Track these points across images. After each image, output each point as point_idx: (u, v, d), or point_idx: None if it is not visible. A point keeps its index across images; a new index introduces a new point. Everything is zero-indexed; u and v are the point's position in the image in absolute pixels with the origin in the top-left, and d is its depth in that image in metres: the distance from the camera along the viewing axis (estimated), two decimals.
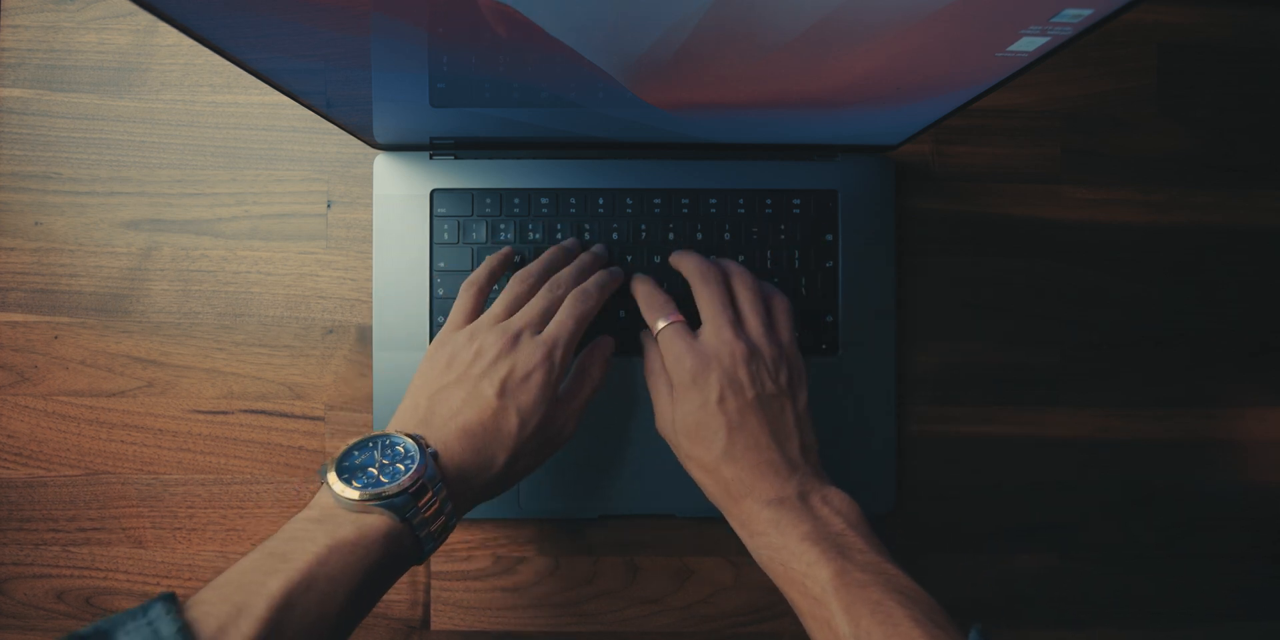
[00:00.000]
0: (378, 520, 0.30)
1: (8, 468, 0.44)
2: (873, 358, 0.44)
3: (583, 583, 0.44)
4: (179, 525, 0.44)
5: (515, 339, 0.36)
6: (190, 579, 0.44)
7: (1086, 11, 0.24)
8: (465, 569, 0.44)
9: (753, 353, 0.36)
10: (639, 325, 0.43)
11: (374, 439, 0.32)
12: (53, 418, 0.44)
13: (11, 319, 0.44)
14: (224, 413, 0.44)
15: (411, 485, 0.30)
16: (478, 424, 0.34)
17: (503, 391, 0.34)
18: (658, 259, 0.43)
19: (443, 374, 0.35)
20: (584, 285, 0.39)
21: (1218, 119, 0.47)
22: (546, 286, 0.38)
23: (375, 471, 0.31)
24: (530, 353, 0.35)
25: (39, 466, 0.44)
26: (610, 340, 0.41)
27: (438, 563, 0.44)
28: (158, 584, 0.44)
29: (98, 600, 0.44)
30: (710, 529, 0.45)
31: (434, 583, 0.44)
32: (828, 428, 0.43)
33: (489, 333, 0.36)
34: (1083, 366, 0.46)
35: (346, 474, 0.31)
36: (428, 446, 0.32)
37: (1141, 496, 0.46)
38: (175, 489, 0.44)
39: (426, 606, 0.44)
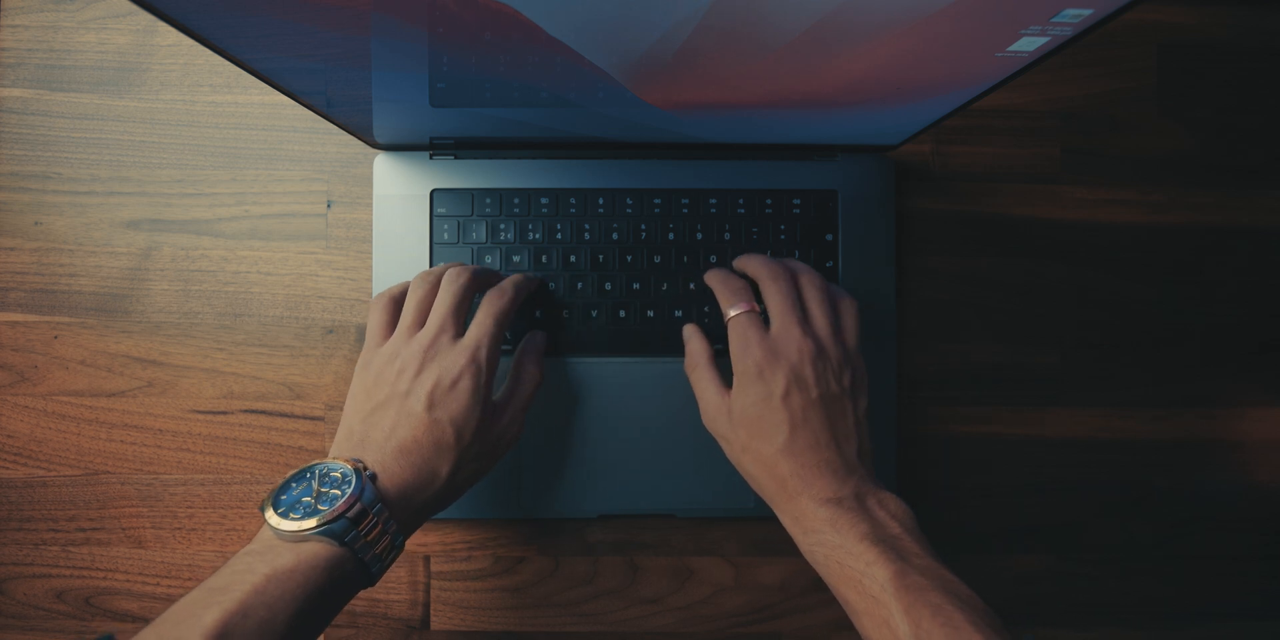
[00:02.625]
0: (317, 547, 0.30)
1: (8, 468, 0.44)
2: (873, 358, 0.44)
3: (583, 583, 0.44)
4: (179, 525, 0.44)
5: (434, 347, 0.35)
6: (190, 579, 0.44)
7: (1086, 11, 0.24)
8: (465, 569, 0.44)
9: (820, 352, 0.36)
10: (641, 325, 0.43)
11: (310, 469, 0.32)
12: (53, 418, 0.44)
13: (11, 319, 0.44)
14: (224, 413, 0.44)
15: (348, 509, 0.30)
16: (412, 441, 0.34)
17: (431, 404, 0.34)
18: (658, 259, 0.43)
19: (370, 395, 0.35)
20: (500, 284, 0.39)
21: (1217, 119, 0.47)
22: (445, 280, 0.37)
23: (312, 501, 0.31)
24: (453, 359, 0.35)
25: (39, 466, 0.44)
26: (542, 335, 0.41)
27: (438, 563, 0.44)
28: (157, 584, 0.44)
29: (97, 600, 0.44)
30: (710, 529, 0.45)
31: (434, 583, 0.44)
32: None
33: (407, 346, 0.36)
34: (1083, 366, 0.46)
35: (284, 507, 0.31)
36: (366, 469, 0.32)
37: (1141, 496, 0.46)
38: (175, 489, 0.44)
39: (426, 606, 0.44)
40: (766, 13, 0.25)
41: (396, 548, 0.33)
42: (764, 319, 0.38)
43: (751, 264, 0.40)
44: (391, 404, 0.34)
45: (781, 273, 0.38)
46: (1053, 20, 0.25)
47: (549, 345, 0.42)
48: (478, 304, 0.38)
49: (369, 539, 0.31)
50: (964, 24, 0.25)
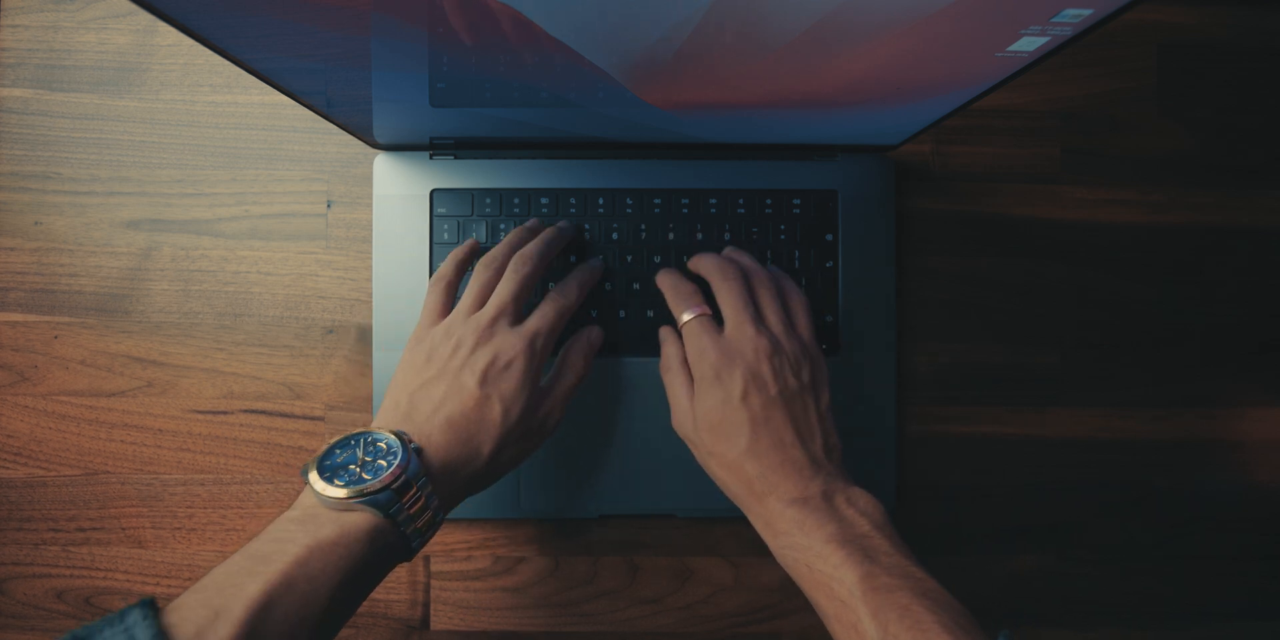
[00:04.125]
0: (360, 518, 0.30)
1: (8, 468, 0.44)
2: (873, 358, 0.44)
3: (583, 583, 0.44)
4: (179, 525, 0.44)
5: (492, 328, 0.35)
6: (189, 579, 0.44)
7: (1086, 11, 0.24)
8: (465, 569, 0.44)
9: (776, 349, 0.36)
10: (642, 325, 0.43)
11: (356, 436, 0.32)
12: (53, 418, 0.44)
13: (11, 319, 0.44)
14: (224, 413, 0.44)
15: (394, 481, 0.30)
16: (461, 415, 0.34)
17: (484, 381, 0.34)
18: (658, 259, 0.43)
19: (422, 370, 0.35)
20: (565, 280, 0.39)
21: (1217, 119, 0.47)
22: (511, 266, 0.38)
23: (357, 469, 0.31)
24: (511, 342, 0.35)
25: (39, 466, 0.44)
26: (598, 331, 0.41)
27: (438, 563, 0.44)
28: (157, 584, 0.44)
29: (97, 600, 0.44)
30: (710, 529, 0.45)
31: (434, 583, 0.44)
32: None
33: (464, 325, 0.36)
34: (1083, 366, 0.46)
35: (328, 472, 0.31)
36: (411, 442, 0.32)
37: (1141, 496, 0.46)
38: (175, 489, 0.44)
39: (426, 606, 0.44)
40: (766, 13, 0.25)
41: (437, 524, 0.33)
42: (719, 320, 0.38)
43: (703, 264, 0.40)
44: (443, 378, 0.34)
45: (732, 272, 0.38)
46: (1053, 20, 0.25)
47: (602, 343, 0.41)
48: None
49: (412, 512, 0.31)
50: (964, 24, 0.25)
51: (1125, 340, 0.46)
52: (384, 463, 0.31)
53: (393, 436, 0.32)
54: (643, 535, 0.45)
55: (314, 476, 0.30)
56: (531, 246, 0.39)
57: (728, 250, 0.42)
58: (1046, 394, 0.46)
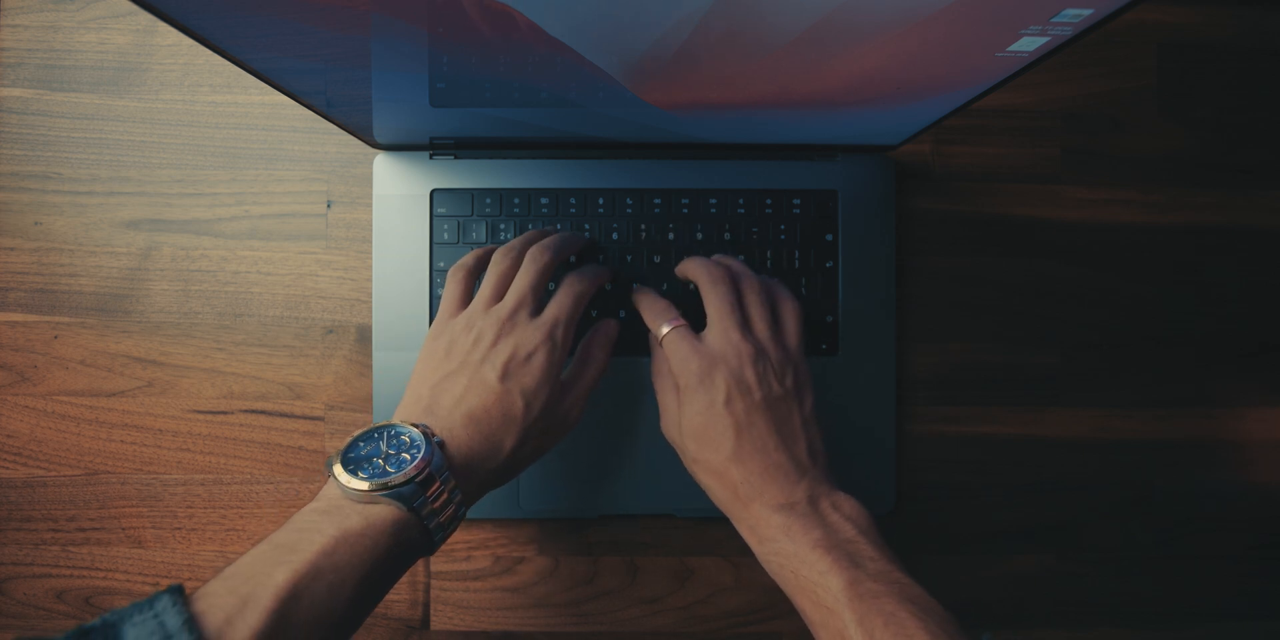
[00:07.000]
0: (385, 510, 0.30)
1: (8, 468, 0.44)
2: (873, 358, 0.44)
3: (583, 583, 0.44)
4: (179, 525, 0.44)
5: (512, 320, 0.35)
6: (190, 579, 0.44)
7: (1086, 11, 0.24)
8: (465, 569, 0.44)
9: (759, 354, 0.36)
10: (642, 327, 0.43)
11: (379, 429, 0.32)
12: (53, 418, 0.44)
13: (11, 319, 0.44)
14: (224, 413, 0.44)
15: (418, 474, 0.30)
16: (482, 409, 0.33)
17: (505, 375, 0.34)
18: (658, 259, 0.43)
19: (443, 363, 0.35)
20: (582, 268, 0.39)
21: (1218, 119, 0.47)
22: (529, 256, 0.37)
23: (381, 462, 0.31)
24: (530, 333, 0.35)
25: (39, 466, 0.44)
26: (614, 324, 0.40)
27: (438, 563, 0.44)
28: (157, 584, 0.44)
29: (97, 600, 0.44)
30: (710, 529, 0.45)
31: (434, 583, 0.44)
32: (827, 428, 0.43)
33: (484, 316, 0.36)
34: (1083, 366, 0.46)
35: (352, 465, 0.31)
36: (434, 435, 0.32)
37: (1141, 496, 0.46)
38: (175, 489, 0.44)
39: (426, 606, 0.44)
40: (766, 13, 0.25)
41: (459, 518, 0.32)
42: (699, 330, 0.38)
43: (691, 268, 0.40)
44: (464, 372, 0.34)
45: (721, 276, 0.38)
46: (1053, 20, 0.25)
47: (618, 334, 0.41)
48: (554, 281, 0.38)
49: (435, 506, 0.31)
50: (964, 24, 0.25)
51: (1125, 340, 0.46)
52: (407, 456, 0.31)
53: (415, 430, 0.32)
54: (643, 535, 0.45)
55: (338, 469, 0.30)
56: (550, 239, 0.39)
57: (717, 256, 0.41)
58: (1046, 394, 0.46)
